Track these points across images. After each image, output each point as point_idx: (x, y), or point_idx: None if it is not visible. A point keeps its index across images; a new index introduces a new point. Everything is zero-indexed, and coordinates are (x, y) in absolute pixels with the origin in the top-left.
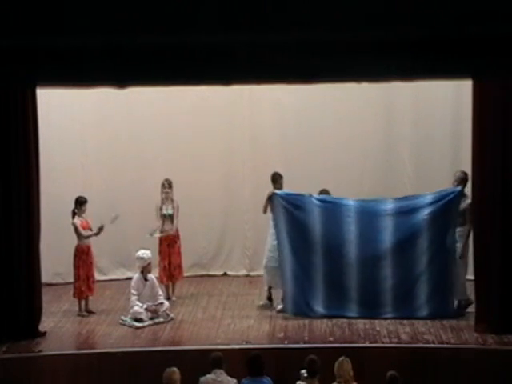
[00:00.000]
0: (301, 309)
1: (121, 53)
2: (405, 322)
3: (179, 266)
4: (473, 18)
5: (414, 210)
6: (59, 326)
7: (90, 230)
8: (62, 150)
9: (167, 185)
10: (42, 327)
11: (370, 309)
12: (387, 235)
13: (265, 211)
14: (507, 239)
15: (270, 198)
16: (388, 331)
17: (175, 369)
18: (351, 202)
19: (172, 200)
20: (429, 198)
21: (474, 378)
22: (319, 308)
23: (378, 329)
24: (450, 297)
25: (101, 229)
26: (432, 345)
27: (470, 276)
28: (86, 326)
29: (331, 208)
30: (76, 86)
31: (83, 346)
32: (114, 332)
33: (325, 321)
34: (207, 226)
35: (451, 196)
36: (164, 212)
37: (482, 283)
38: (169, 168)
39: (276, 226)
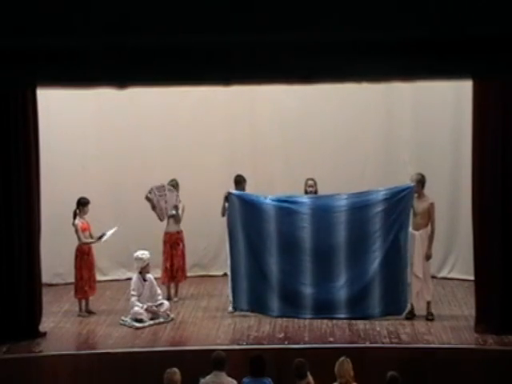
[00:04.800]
0: (257, 307)
1: (121, 53)
2: (405, 322)
3: (181, 269)
4: (473, 17)
5: (366, 206)
6: (59, 327)
7: (90, 232)
8: (62, 151)
9: (170, 186)
10: (42, 327)
11: (324, 309)
12: (340, 233)
13: (223, 214)
14: (507, 239)
15: (227, 199)
16: (388, 331)
17: (176, 370)
18: (305, 200)
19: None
20: (381, 195)
21: (474, 378)
22: (274, 308)
23: (378, 329)
24: (401, 294)
25: (101, 237)
26: (432, 345)
27: (470, 276)
28: (86, 326)
29: (286, 207)
30: (76, 86)
31: (83, 346)
32: (115, 332)
33: (325, 321)
34: (208, 227)
35: (404, 193)
36: (168, 212)
37: (481, 283)
38: (169, 168)
39: (231, 226)
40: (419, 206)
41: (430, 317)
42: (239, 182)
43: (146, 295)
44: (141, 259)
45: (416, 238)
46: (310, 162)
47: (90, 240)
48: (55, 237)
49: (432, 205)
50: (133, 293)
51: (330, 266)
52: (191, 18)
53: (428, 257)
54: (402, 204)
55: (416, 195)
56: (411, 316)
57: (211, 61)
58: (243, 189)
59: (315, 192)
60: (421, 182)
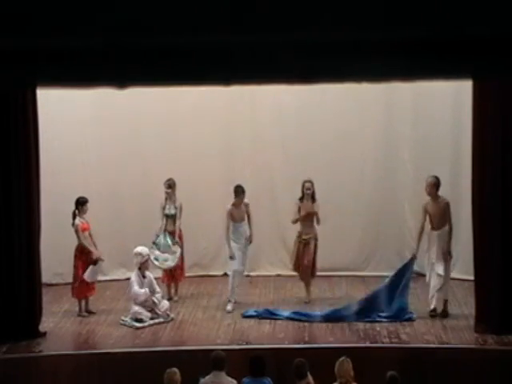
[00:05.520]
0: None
1: (121, 53)
2: (405, 322)
3: (180, 268)
4: (473, 18)
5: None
6: (59, 327)
7: (90, 232)
8: (62, 150)
9: (167, 185)
10: (42, 327)
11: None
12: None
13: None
14: (507, 239)
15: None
16: (388, 331)
17: (176, 370)
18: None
19: (174, 200)
20: (388, 281)
21: (473, 377)
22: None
23: (378, 329)
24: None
25: (96, 261)
26: (432, 345)
27: (470, 276)
28: (86, 326)
29: (298, 318)
30: (76, 86)
31: (83, 346)
32: (114, 332)
33: None
34: (207, 227)
35: (407, 267)
36: (166, 212)
37: (481, 283)
38: (169, 168)
39: None
40: (436, 208)
41: (443, 313)
42: (238, 192)
43: (147, 289)
44: (140, 254)
45: (436, 237)
46: (310, 160)
47: (88, 245)
48: (55, 237)
49: (447, 204)
50: (133, 284)
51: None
52: (192, 19)
53: (448, 254)
54: (406, 274)
55: (430, 198)
56: (435, 314)
57: (211, 61)
58: (242, 200)
59: (313, 193)
60: (436, 184)
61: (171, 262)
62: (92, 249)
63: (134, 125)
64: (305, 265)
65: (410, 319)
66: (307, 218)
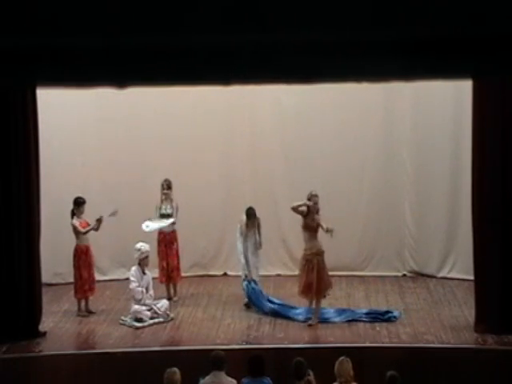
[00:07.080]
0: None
1: (121, 53)
2: (405, 321)
3: (177, 268)
4: (473, 17)
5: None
6: (59, 326)
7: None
8: (61, 150)
9: (166, 186)
10: (42, 327)
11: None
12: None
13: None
14: (507, 239)
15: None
16: (388, 331)
17: (176, 369)
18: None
19: (171, 200)
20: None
21: (474, 378)
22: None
23: (377, 329)
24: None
25: (99, 220)
26: (432, 345)
27: (470, 276)
28: (86, 326)
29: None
30: (76, 86)
31: (83, 346)
32: (114, 332)
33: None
34: (207, 226)
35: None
36: (163, 212)
37: (481, 283)
38: (169, 168)
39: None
40: None
41: None
42: (250, 215)
43: (144, 289)
44: (139, 250)
45: None
46: (309, 165)
47: (89, 227)
48: (55, 237)
49: None
50: (132, 279)
51: None
52: (192, 19)
53: None
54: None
55: None
56: None
57: (212, 60)
58: (254, 223)
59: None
60: None
61: (163, 223)
62: (90, 227)
63: (134, 126)
64: (312, 286)
65: (391, 319)
66: (311, 231)
